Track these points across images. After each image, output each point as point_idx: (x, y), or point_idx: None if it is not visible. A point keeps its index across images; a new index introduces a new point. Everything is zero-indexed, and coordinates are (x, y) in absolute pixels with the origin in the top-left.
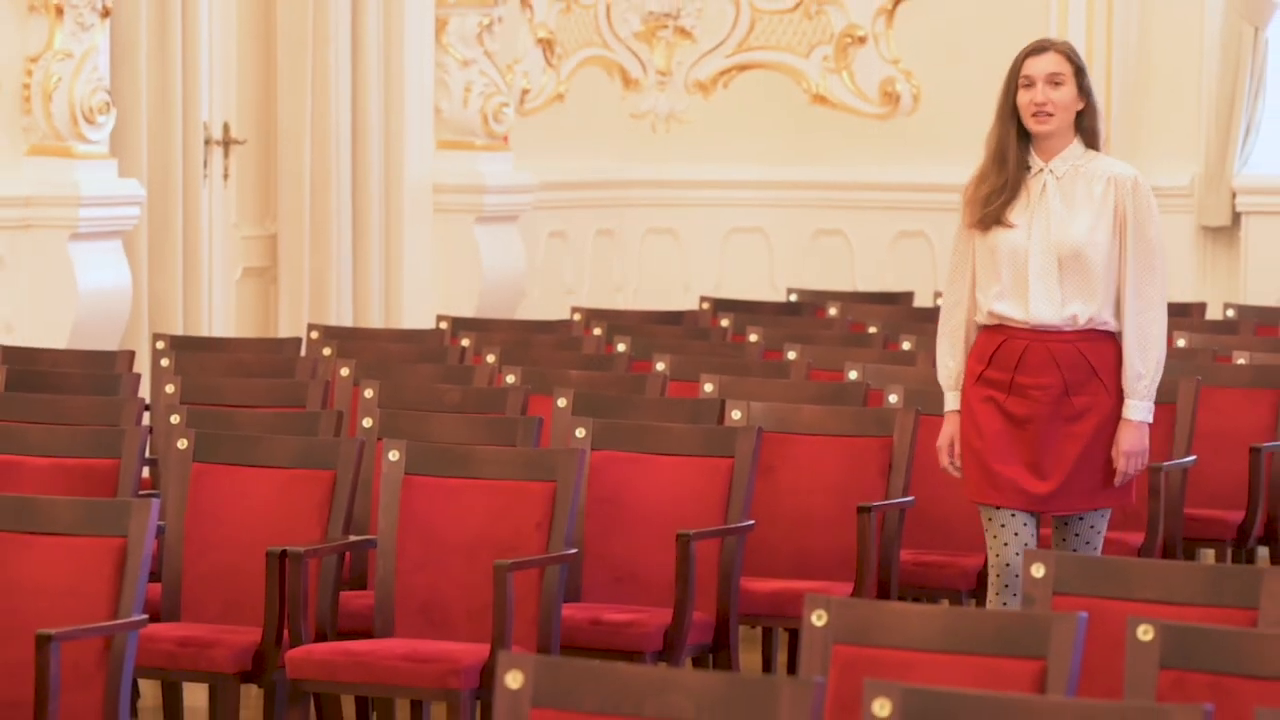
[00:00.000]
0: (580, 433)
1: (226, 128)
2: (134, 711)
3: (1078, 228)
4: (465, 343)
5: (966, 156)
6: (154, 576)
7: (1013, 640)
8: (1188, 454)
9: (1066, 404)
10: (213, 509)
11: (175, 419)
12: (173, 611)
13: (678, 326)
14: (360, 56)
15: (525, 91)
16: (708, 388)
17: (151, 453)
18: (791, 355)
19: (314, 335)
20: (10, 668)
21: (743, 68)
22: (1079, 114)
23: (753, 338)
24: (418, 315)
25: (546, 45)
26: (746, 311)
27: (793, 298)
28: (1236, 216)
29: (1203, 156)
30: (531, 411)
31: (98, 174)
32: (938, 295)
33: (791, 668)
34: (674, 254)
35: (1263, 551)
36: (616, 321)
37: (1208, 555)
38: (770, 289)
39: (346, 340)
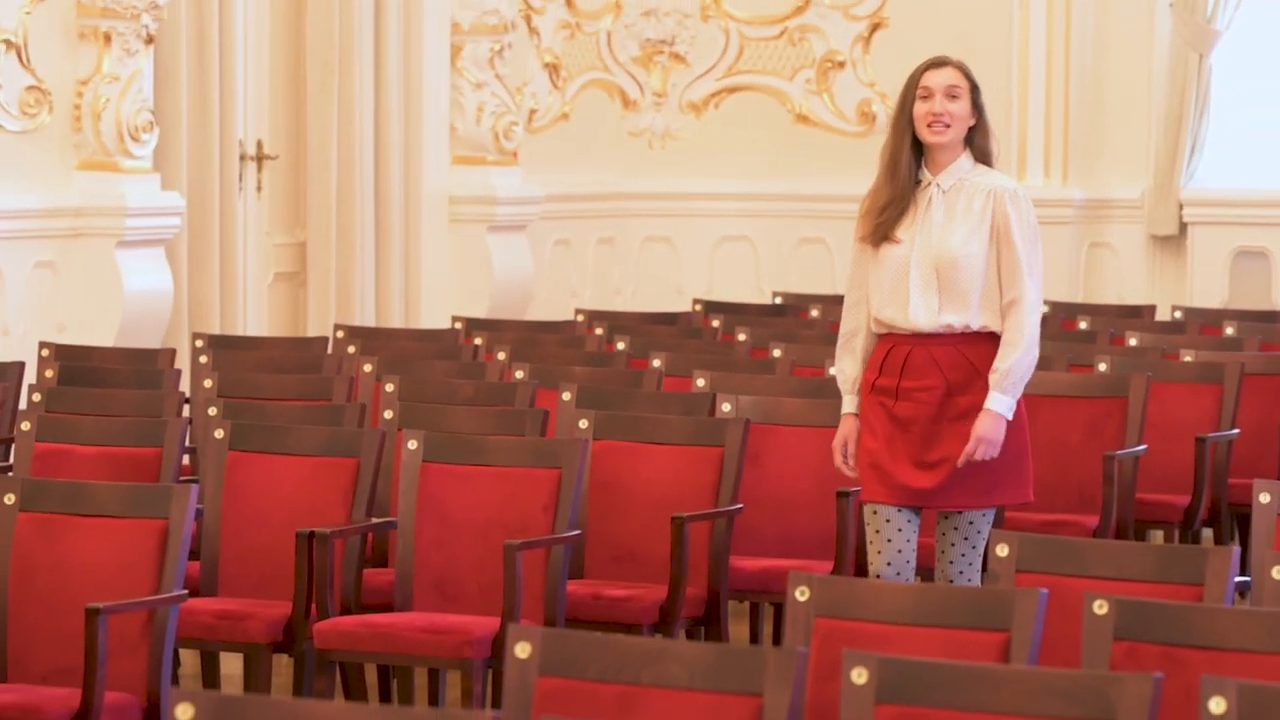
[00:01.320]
0: (583, 424)
1: (260, 145)
2: (175, 679)
3: (955, 240)
4: (478, 341)
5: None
6: (193, 555)
7: (979, 614)
8: (1139, 443)
9: (951, 404)
10: (247, 493)
11: (213, 411)
12: (210, 587)
13: (672, 327)
14: (382, 79)
15: (533, 111)
16: (700, 383)
17: (191, 442)
18: (776, 353)
19: (339, 334)
20: (62, 638)
21: (732, 90)
22: (970, 130)
23: (741, 337)
24: (434, 316)
25: (552, 69)
26: (735, 313)
27: (777, 300)
28: (1183, 226)
29: (1152, 171)
30: (539, 404)
31: (142, 187)
32: None
33: (776, 639)
34: (669, 260)
35: (1207, 533)
36: (616, 322)
37: (1157, 536)
38: (757, 292)
39: (369, 339)
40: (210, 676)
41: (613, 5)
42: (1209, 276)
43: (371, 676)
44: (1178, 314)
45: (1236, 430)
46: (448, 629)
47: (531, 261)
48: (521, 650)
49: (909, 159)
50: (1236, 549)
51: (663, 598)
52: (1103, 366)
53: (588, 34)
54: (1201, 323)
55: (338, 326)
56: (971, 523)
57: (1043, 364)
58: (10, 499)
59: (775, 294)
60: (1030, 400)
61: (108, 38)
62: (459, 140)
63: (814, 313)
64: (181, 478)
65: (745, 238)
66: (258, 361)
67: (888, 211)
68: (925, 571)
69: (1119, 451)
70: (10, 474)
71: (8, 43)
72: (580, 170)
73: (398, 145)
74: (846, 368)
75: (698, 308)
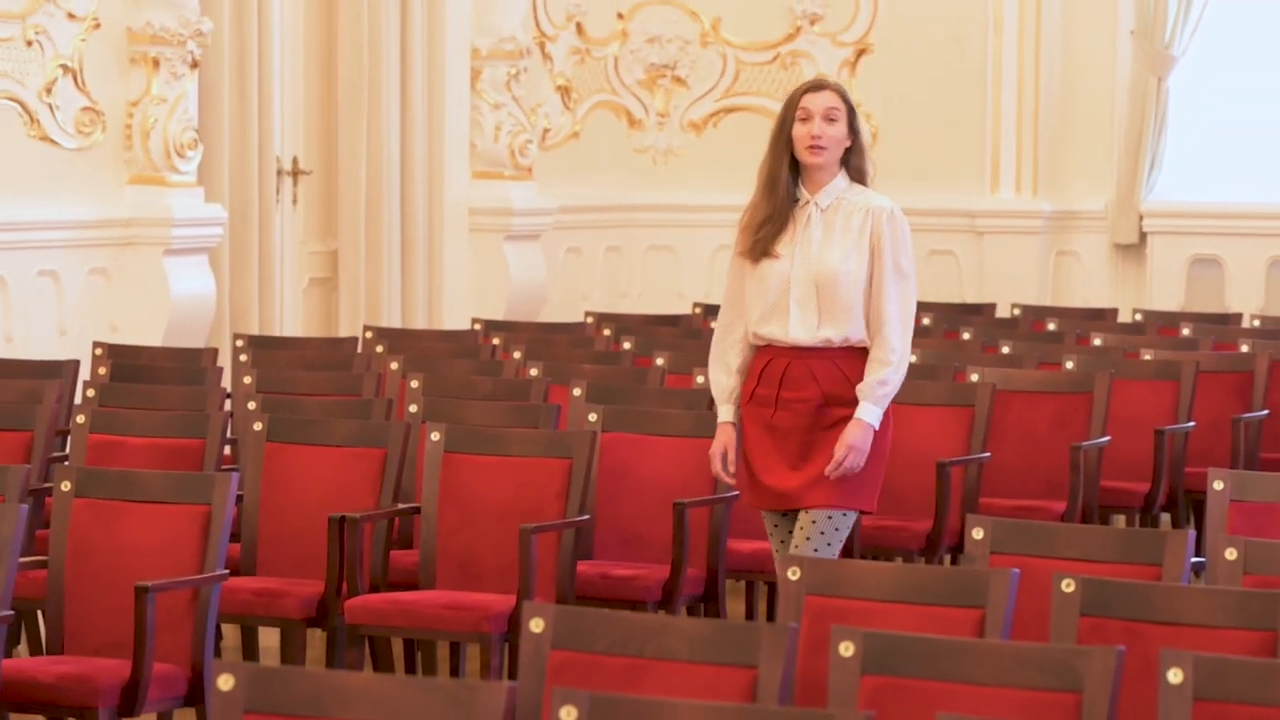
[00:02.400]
0: (592, 417)
1: (295, 161)
2: (217, 651)
3: (833, 257)
4: (495, 341)
5: (917, 184)
6: (234, 538)
7: (956, 592)
8: (1103, 435)
9: (826, 414)
10: (283, 481)
11: (252, 405)
12: (250, 567)
13: (674, 328)
14: (408, 101)
15: (546, 130)
16: (699, 380)
17: (232, 434)
18: None
19: (368, 335)
20: (115, 614)
21: (729, 110)
22: (847, 150)
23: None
24: (455, 318)
25: (564, 91)
26: None
27: None
28: (1143, 236)
29: (1115, 185)
30: (551, 399)
31: (187, 200)
32: None
33: (770, 616)
34: (671, 267)
35: (1165, 517)
36: (623, 324)
37: (1119, 520)
38: None
39: (395, 339)
40: (250, 649)
41: (620, 33)
42: (1167, 282)
43: (398, 649)
44: (1138, 316)
45: (1192, 423)
46: (468, 606)
47: (545, 268)
48: (536, 625)
49: (787, 178)
50: (1192, 532)
51: (665, 577)
52: (1069, 364)
53: (597, 59)
54: (1160, 324)
55: (367, 328)
56: (830, 518)
57: (1015, 362)
58: (67, 486)
59: None
60: (1002, 395)
61: (156, 63)
62: (478, 156)
63: None
64: (223, 467)
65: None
66: (293, 360)
67: (766, 228)
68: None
69: (1084, 443)
70: (67, 463)
71: (65, 67)
72: (590, 184)
73: (422, 161)
74: (721, 378)
75: (697, 310)
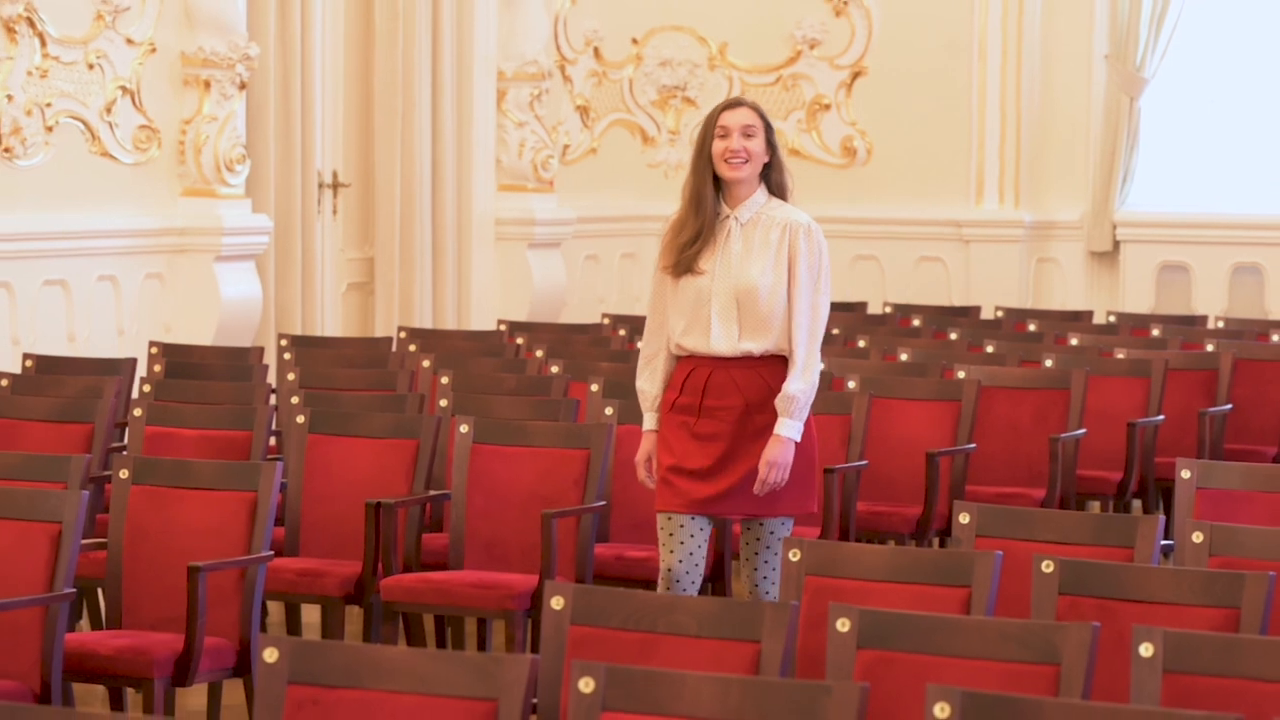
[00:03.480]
0: (608, 411)
1: (335, 174)
2: (263, 626)
3: (753, 270)
4: (519, 341)
5: (908, 196)
6: (278, 522)
7: (944, 573)
8: (1079, 427)
9: (749, 422)
10: (324, 470)
11: (295, 400)
12: (293, 549)
13: None
14: (439, 119)
15: (566, 146)
16: None
17: (276, 426)
18: None
19: (402, 335)
20: (169, 592)
21: None
22: (766, 166)
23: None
24: (482, 320)
25: (583, 111)
26: None
27: None
28: (1117, 244)
29: (1090, 197)
30: (571, 395)
31: (236, 210)
32: (885, 305)
33: None
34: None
35: (1137, 503)
36: (637, 325)
37: (1094, 506)
38: None
39: (427, 339)
40: (293, 625)
41: (634, 57)
42: (1138, 286)
43: (429, 625)
44: (1112, 318)
45: (1162, 417)
46: (494, 585)
47: (565, 273)
48: (556, 603)
49: (711, 194)
50: (1162, 517)
51: None
52: (1049, 362)
53: (613, 81)
54: (1132, 326)
55: (401, 328)
56: (772, 532)
57: (997, 360)
58: (125, 474)
59: None
60: (986, 391)
61: (207, 84)
62: (503, 171)
63: None
64: (268, 456)
65: None
66: (333, 358)
67: (692, 246)
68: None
69: (1062, 434)
70: (125, 453)
71: (124, 89)
72: (606, 196)
73: (452, 175)
74: (647, 388)
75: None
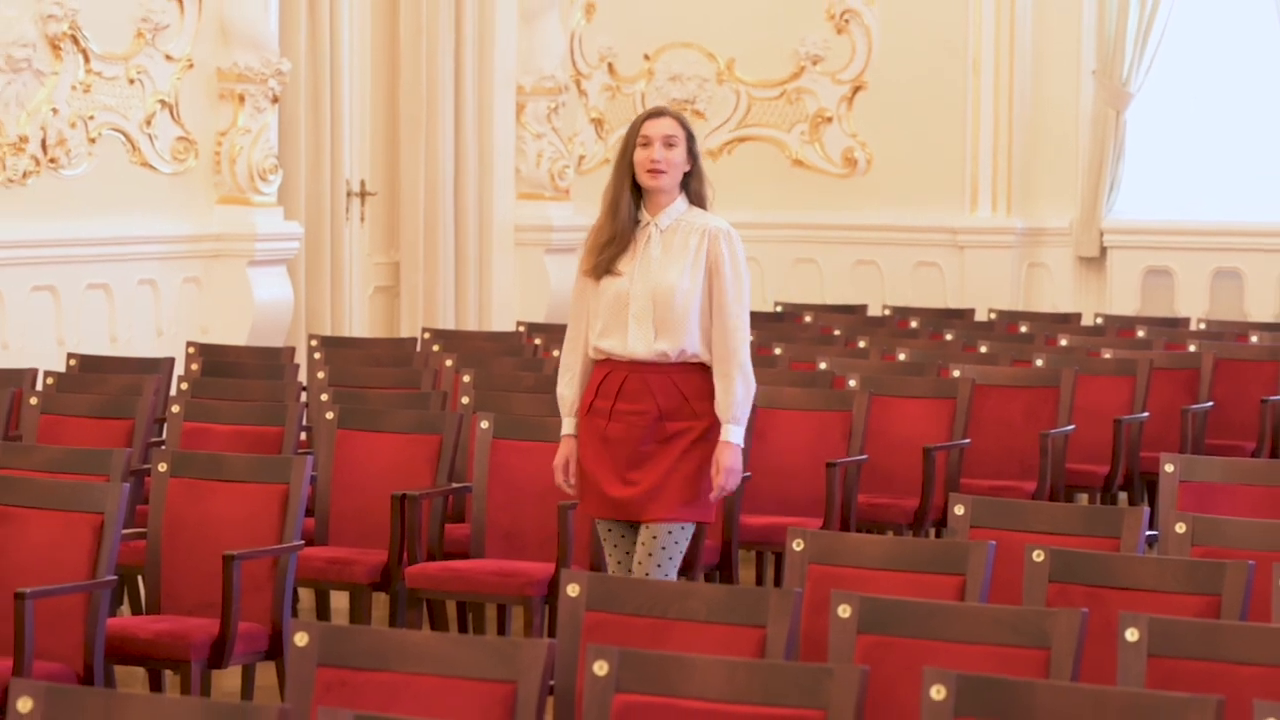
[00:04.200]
0: None
1: (363, 183)
2: (294, 611)
3: (671, 274)
4: (537, 341)
5: (906, 204)
6: (309, 512)
7: (940, 562)
8: (1068, 424)
9: (660, 428)
10: (351, 463)
11: (324, 397)
12: (323, 538)
13: None
14: (461, 131)
15: (581, 157)
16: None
17: (307, 422)
18: (778, 351)
19: (426, 336)
20: (205, 579)
21: (741, 139)
22: (686, 175)
23: (749, 338)
24: (502, 321)
25: (597, 123)
26: None
27: (778, 309)
28: (1104, 250)
29: (1079, 205)
30: None
31: (268, 218)
32: (884, 307)
33: (778, 581)
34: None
35: (1123, 496)
36: None
37: (1083, 498)
38: (762, 302)
39: (450, 339)
40: (322, 610)
41: (646, 71)
42: (1124, 290)
43: (451, 611)
44: (1099, 320)
45: (1146, 413)
46: (513, 573)
47: None
48: (572, 590)
49: (629, 201)
50: (1147, 509)
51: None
52: (1039, 362)
53: (626, 95)
54: (1118, 327)
55: (424, 329)
56: (670, 533)
57: (990, 359)
58: (163, 467)
59: (777, 303)
60: (980, 389)
61: (242, 98)
62: (522, 180)
63: (807, 319)
64: (299, 450)
65: (752, 258)
66: (360, 357)
67: (609, 249)
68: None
69: (1052, 430)
70: (163, 447)
71: (162, 102)
72: None
73: (473, 184)
74: (565, 393)
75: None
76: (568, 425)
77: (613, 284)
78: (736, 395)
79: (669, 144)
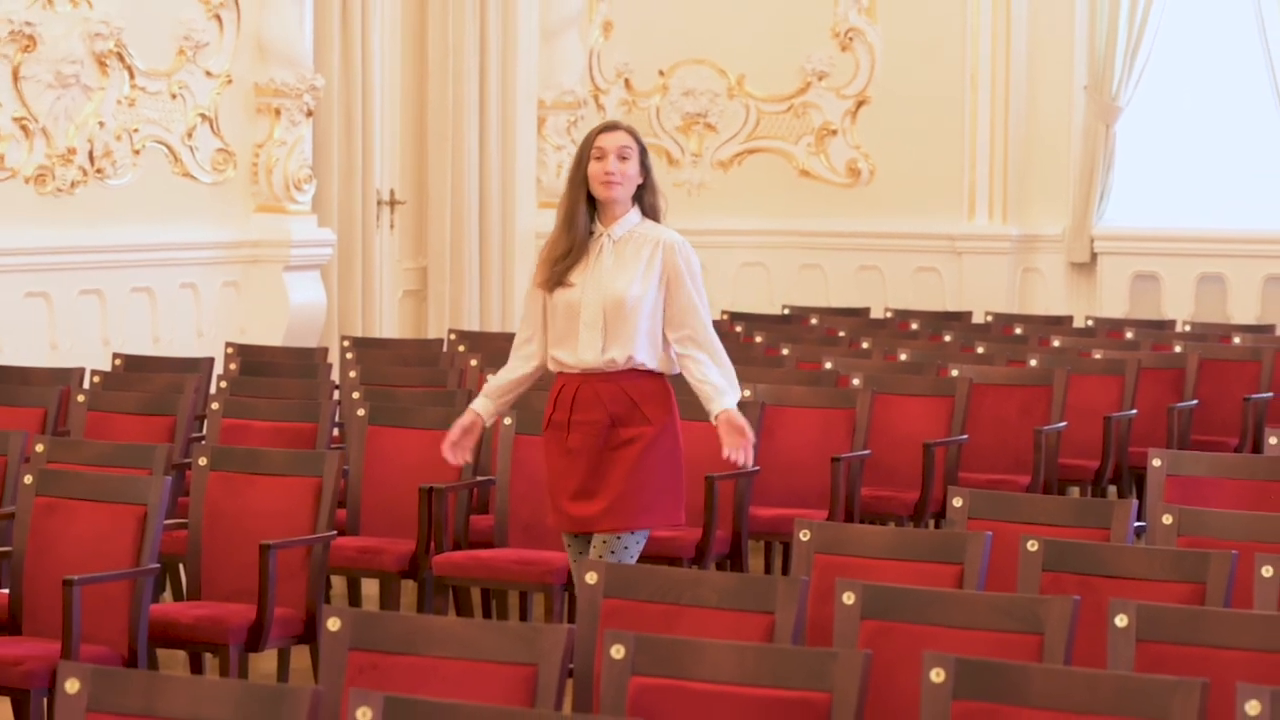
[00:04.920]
0: None
1: (392, 193)
2: (327, 598)
3: (622, 284)
4: None
5: (906, 212)
6: (341, 504)
7: (940, 552)
8: (1061, 420)
9: (613, 435)
10: (381, 458)
11: (356, 395)
12: (354, 528)
13: None
14: (485, 143)
15: None
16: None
17: (339, 419)
18: (785, 351)
19: (452, 337)
20: (242, 568)
21: (751, 151)
22: (640, 188)
23: (758, 339)
24: None
25: None
26: (753, 321)
27: (786, 311)
28: (1094, 256)
29: (1071, 213)
30: None
31: (303, 225)
32: (887, 310)
33: (785, 570)
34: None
35: (1112, 489)
36: None
37: (1074, 491)
38: (770, 305)
39: (474, 340)
40: (354, 597)
41: (661, 87)
42: (1114, 294)
43: (476, 597)
44: (1090, 322)
45: (1134, 411)
46: (534, 561)
47: None
48: (591, 578)
49: (584, 213)
50: (1135, 502)
51: (698, 538)
52: (1033, 362)
53: (641, 108)
54: (1108, 329)
55: (451, 331)
56: (619, 538)
57: (986, 360)
58: (203, 461)
59: (784, 307)
60: (977, 388)
61: (278, 112)
62: (543, 190)
63: (813, 321)
64: (332, 446)
65: (761, 264)
66: (390, 357)
67: (564, 261)
68: None
69: (1046, 427)
70: (203, 442)
71: (203, 116)
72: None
73: (496, 193)
74: (491, 381)
75: (725, 317)
76: (478, 401)
77: (564, 295)
78: (727, 375)
79: (622, 156)
